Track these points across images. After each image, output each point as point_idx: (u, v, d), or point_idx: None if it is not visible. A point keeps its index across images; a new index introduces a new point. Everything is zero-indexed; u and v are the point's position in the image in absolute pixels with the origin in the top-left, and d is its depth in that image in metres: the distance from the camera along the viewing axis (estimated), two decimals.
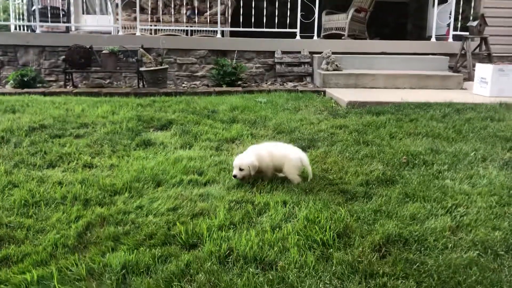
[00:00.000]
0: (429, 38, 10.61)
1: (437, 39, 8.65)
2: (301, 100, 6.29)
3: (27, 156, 4.04)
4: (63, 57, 7.76)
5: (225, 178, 3.48)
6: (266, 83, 8.22)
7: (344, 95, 6.16)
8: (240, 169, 3.28)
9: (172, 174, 3.55)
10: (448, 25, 8.76)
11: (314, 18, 8.50)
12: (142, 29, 8.92)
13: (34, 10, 10.14)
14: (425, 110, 5.42)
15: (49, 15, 8.97)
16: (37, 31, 8.45)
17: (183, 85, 8.12)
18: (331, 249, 2.38)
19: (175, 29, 9.93)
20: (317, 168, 3.69)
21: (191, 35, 9.83)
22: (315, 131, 4.74)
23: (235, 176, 3.30)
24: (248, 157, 3.31)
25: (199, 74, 8.42)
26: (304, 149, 4.21)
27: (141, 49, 7.44)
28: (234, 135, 4.66)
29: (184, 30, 9.91)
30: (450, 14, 8.57)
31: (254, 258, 2.29)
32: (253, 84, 8.12)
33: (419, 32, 11.44)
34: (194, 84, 8.11)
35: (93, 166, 3.84)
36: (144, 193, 3.23)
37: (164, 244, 2.52)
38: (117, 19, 10.66)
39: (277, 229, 2.59)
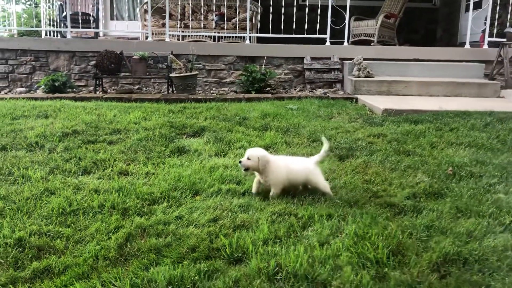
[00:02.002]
0: (460, 44, 10.38)
1: (470, 45, 8.41)
2: (334, 107, 6.16)
3: (61, 162, 4.01)
4: (94, 62, 7.80)
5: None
6: (295, 90, 8.11)
7: (379, 103, 6.00)
8: (248, 158, 3.16)
9: (210, 183, 3.46)
10: (483, 31, 8.52)
11: (345, 24, 8.36)
12: (170, 35, 8.92)
13: (64, 16, 10.28)
14: (465, 119, 5.22)
15: (80, 21, 9.05)
16: (68, 36, 8.52)
17: (212, 91, 8.07)
18: (386, 268, 2.24)
19: (203, 35, 9.94)
20: (358, 179, 3.55)
21: (218, 41, 9.81)
22: (352, 140, 4.60)
23: (240, 162, 3.19)
24: (262, 150, 3.20)
25: (227, 80, 8.35)
26: (342, 158, 4.09)
27: (171, 55, 7.41)
28: (268, 143, 4.56)
29: (211, 36, 9.91)
30: (486, 19, 8.33)
31: (305, 276, 2.17)
32: (281, 91, 8.02)
33: (450, 38, 11.19)
34: (223, 91, 8.05)
35: (129, 174, 3.78)
36: (183, 202, 3.14)
37: (208, 258, 2.42)
38: (145, 25, 10.73)
39: (326, 245, 2.47)
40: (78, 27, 9.53)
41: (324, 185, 3.22)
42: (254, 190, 3.29)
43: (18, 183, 3.55)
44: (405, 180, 3.49)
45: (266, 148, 4.44)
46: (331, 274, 2.18)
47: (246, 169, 3.19)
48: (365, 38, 10.38)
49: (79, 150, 4.33)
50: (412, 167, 3.78)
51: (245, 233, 2.65)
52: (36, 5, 13.67)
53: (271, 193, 3.21)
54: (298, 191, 3.29)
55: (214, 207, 3.05)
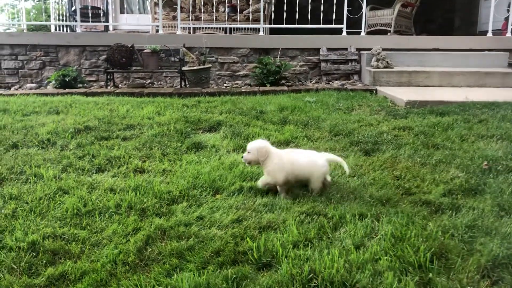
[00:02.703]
0: (480, 33, 10.06)
1: (492, 34, 8.10)
2: (353, 99, 5.93)
3: (74, 160, 3.85)
4: (105, 56, 7.65)
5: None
6: (310, 82, 7.89)
7: (401, 94, 5.76)
8: (248, 152, 3.05)
9: (230, 180, 3.28)
10: (506, 18, 8.21)
11: (362, 13, 8.11)
12: (181, 27, 8.73)
13: (74, 10, 10.14)
14: (493, 110, 4.97)
15: (90, 15, 8.89)
16: (78, 30, 8.37)
17: (225, 84, 7.88)
18: (430, 274, 2.04)
19: (214, 27, 9.74)
20: (388, 175, 3.35)
21: (230, 33, 9.60)
22: (377, 133, 4.38)
23: (242, 157, 3.11)
24: (261, 142, 3.07)
25: (241, 73, 8.15)
26: (368, 153, 3.88)
27: (183, 48, 7.22)
28: (288, 137, 4.36)
29: (223, 28, 9.70)
30: (509, 6, 8.02)
31: (343, 283, 1.98)
32: (297, 83, 7.81)
33: (468, 27, 10.87)
34: (236, 84, 7.86)
35: (145, 171, 3.61)
36: (203, 201, 2.97)
37: (234, 263, 2.24)
38: (156, 18, 10.55)
39: (362, 248, 2.27)
40: (88, 21, 9.37)
41: (316, 186, 3.01)
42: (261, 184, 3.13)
43: (30, 182, 3.40)
44: (438, 175, 3.28)
45: (287, 143, 4.26)
46: (370, 280, 1.99)
47: (249, 163, 3.10)
48: (381, 28, 10.11)
49: (92, 147, 4.17)
50: (444, 161, 3.57)
51: (272, 234, 2.46)
52: (45, 0, 13.54)
53: (262, 180, 3.07)
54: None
55: (236, 206, 2.88)
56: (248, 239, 2.40)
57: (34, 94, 6.71)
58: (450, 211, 2.70)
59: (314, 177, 2.99)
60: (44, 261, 2.31)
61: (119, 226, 2.64)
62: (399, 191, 3.04)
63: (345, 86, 6.95)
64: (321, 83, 7.68)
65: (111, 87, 7.45)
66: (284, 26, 8.26)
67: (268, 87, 7.00)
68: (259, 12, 9.92)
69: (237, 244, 2.41)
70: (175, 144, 4.24)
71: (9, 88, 7.94)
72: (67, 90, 6.97)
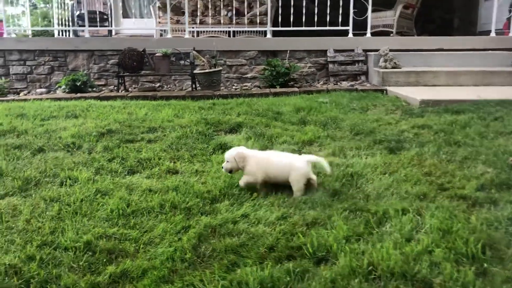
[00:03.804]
0: (480, 33, 10.23)
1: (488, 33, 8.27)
2: (366, 100, 6.03)
3: (105, 163, 3.90)
4: (113, 61, 7.70)
5: (324, 183, 3.25)
6: (318, 83, 7.99)
7: (414, 94, 5.87)
8: (227, 161, 3.20)
9: None
10: (508, 18, 8.37)
11: (368, 15, 8.23)
12: (180, 30, 8.79)
13: (78, 15, 10.17)
14: (507, 108, 5.09)
15: (97, 20, 8.93)
16: (86, 35, 8.40)
17: (234, 87, 7.95)
18: (485, 264, 2.12)
19: (218, 31, 9.81)
20: (418, 172, 3.43)
21: (234, 36, 9.68)
22: (397, 132, 4.48)
23: (222, 168, 3.25)
24: (237, 148, 3.24)
25: (249, 75, 8.23)
26: (392, 151, 3.97)
27: (194, 51, 7.29)
28: (310, 137, 4.44)
29: (226, 31, 9.78)
30: (511, 7, 8.18)
31: (403, 274, 2.06)
32: (305, 84, 7.90)
33: (468, 27, 11.04)
34: (245, 86, 7.93)
35: (178, 172, 3.68)
36: (244, 200, 3.03)
37: (290, 258, 2.32)
38: (160, 22, 10.62)
39: (412, 241, 2.35)
40: (92, 26, 9.39)
41: (296, 187, 3.08)
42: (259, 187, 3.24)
43: (66, 184, 3.45)
44: (467, 171, 3.38)
45: (310, 143, 4.35)
46: (428, 271, 2.07)
47: (230, 171, 3.22)
48: (383, 29, 10.24)
49: (119, 149, 4.22)
50: (469, 158, 3.67)
51: (322, 230, 2.54)
52: (47, 3, 13.50)
53: (243, 180, 3.19)
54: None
55: (277, 204, 2.95)
56: (300, 235, 2.47)
57: (47, 99, 6.73)
58: (488, 205, 2.79)
59: (292, 179, 3.09)
60: (103, 260, 2.37)
61: (167, 225, 2.70)
62: (432, 187, 3.13)
63: (354, 87, 7.05)
64: (329, 84, 7.78)
65: (122, 91, 7.49)
66: (291, 28, 8.35)
67: (278, 89, 7.09)
68: (262, 15, 10.02)
69: (288, 239, 2.48)
70: (201, 146, 4.30)
71: (18, 94, 7.94)
72: (79, 95, 6.99)
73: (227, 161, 3.20)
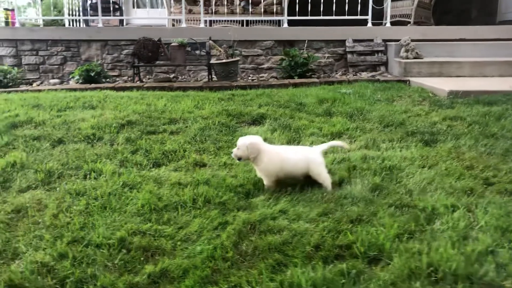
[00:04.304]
0: (500, 23, 9.98)
1: (510, 23, 8.04)
2: (390, 91, 5.85)
3: (128, 155, 3.76)
4: (127, 51, 7.55)
5: (362, 177, 3.10)
6: (336, 74, 7.80)
7: (441, 84, 5.69)
8: (238, 148, 2.98)
9: None
10: None
11: (387, 4, 8.01)
12: (193, 20, 8.61)
13: (90, 5, 10.00)
14: None
15: (111, 9, 8.76)
16: (99, 25, 8.24)
17: (249, 77, 7.78)
18: None
19: (231, 20, 9.62)
20: (459, 165, 3.27)
21: (247, 26, 9.49)
22: (429, 124, 4.31)
23: (232, 153, 3.05)
24: (252, 137, 3.02)
25: (265, 66, 8.05)
26: (427, 143, 3.81)
27: (210, 41, 7.11)
28: (339, 129, 4.28)
29: (239, 21, 9.59)
30: None
31: (467, 277, 1.91)
32: (322, 75, 7.72)
33: (486, 17, 10.76)
34: (262, 77, 7.76)
35: (205, 165, 3.53)
36: (279, 194, 2.88)
37: (338, 257, 2.17)
38: (171, 12, 10.43)
39: (469, 240, 2.20)
40: (103, 15, 9.22)
41: (326, 177, 2.95)
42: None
43: (90, 177, 3.32)
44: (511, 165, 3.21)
45: (339, 134, 4.19)
46: (496, 274, 1.92)
47: (239, 159, 3.00)
48: (400, 19, 10.00)
49: (142, 141, 4.08)
50: (511, 150, 3.50)
51: (368, 228, 2.39)
52: None
53: (266, 184, 2.99)
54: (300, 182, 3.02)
55: (316, 199, 2.80)
56: (348, 233, 2.32)
57: (62, 89, 6.60)
58: None
59: (313, 172, 2.94)
60: (139, 258, 2.24)
61: (203, 220, 2.56)
62: (478, 181, 2.97)
63: (376, 77, 6.87)
64: (348, 74, 7.59)
65: (137, 81, 7.34)
66: (308, 17, 8.15)
67: (297, 80, 6.91)
68: (277, 4, 9.81)
69: (333, 237, 2.33)
70: (226, 138, 4.16)
71: (31, 84, 7.80)
72: (94, 85, 6.85)
73: (238, 148, 2.97)
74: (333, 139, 4.08)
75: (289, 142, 4.02)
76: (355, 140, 4.01)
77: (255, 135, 4.08)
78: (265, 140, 4.04)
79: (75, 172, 3.44)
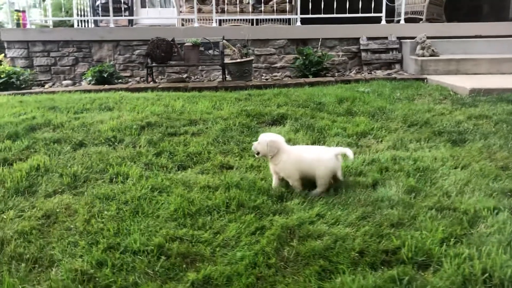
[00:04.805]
0: None
1: None
2: (409, 89, 5.78)
3: (153, 157, 3.71)
4: (142, 51, 7.50)
5: (395, 178, 3.04)
6: (350, 72, 7.74)
7: (461, 82, 5.62)
8: (258, 143, 3.00)
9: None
10: None
11: (402, 0, 7.94)
12: (202, 19, 8.55)
13: (98, 5, 9.95)
14: None
15: (122, 9, 8.73)
16: (111, 25, 8.20)
17: (263, 77, 7.72)
18: None
19: (240, 19, 9.56)
20: (493, 165, 3.21)
21: (257, 25, 9.43)
22: (454, 123, 4.25)
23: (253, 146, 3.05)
24: (273, 135, 3.02)
25: (278, 65, 8.00)
26: (456, 143, 3.75)
27: (224, 41, 7.06)
28: (363, 129, 4.22)
29: (249, 20, 9.53)
30: None
31: None
32: (336, 74, 7.65)
33: (498, 13, 10.67)
34: (275, 76, 7.70)
35: (232, 167, 3.48)
36: (312, 198, 2.82)
37: (385, 263, 2.11)
38: (181, 12, 10.39)
39: None
40: (115, 16, 9.18)
41: (323, 183, 2.88)
42: (274, 183, 3.04)
43: (117, 181, 3.27)
44: None
45: (364, 134, 4.13)
46: None
47: (258, 153, 3.03)
48: (411, 16, 9.92)
49: (165, 143, 4.03)
50: None
51: (411, 232, 2.33)
52: None
53: (292, 185, 2.96)
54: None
55: (351, 202, 2.74)
56: (393, 237, 2.26)
57: (77, 91, 6.55)
58: None
59: (318, 173, 2.88)
60: (180, 265, 2.18)
61: (239, 225, 2.51)
62: None
63: (392, 76, 6.80)
64: (362, 73, 7.53)
65: (150, 82, 7.29)
66: (321, 15, 8.07)
67: (313, 79, 6.85)
68: (285, 3, 9.75)
69: (376, 242, 2.27)
70: (248, 139, 4.10)
71: (43, 86, 7.77)
72: (107, 86, 6.81)
73: (259, 143, 3.00)
74: (358, 139, 4.03)
75: (314, 143, 3.96)
76: (381, 140, 3.95)
77: (282, 134, 4.05)
78: (289, 140, 4.02)
79: (101, 176, 3.40)
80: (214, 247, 2.34)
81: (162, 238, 2.38)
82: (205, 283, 2.05)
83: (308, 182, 2.95)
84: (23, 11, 8.93)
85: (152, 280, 2.09)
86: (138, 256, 2.27)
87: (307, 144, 3.89)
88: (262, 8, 9.82)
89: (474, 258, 2.03)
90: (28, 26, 8.38)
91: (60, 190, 3.18)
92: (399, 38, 7.75)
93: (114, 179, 3.32)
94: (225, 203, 2.78)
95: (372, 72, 7.49)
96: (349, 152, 2.95)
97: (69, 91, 6.58)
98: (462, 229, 2.33)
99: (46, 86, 7.74)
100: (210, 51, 7.27)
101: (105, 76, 7.16)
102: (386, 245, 2.23)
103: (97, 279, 2.08)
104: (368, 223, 2.46)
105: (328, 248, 2.24)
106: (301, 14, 8.39)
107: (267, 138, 2.98)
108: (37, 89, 7.18)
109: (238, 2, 10.00)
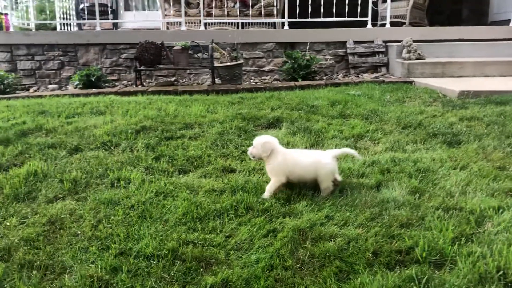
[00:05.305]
0: (492, 23, 10.16)
1: (503, 23, 8.18)
2: (398, 92, 5.88)
3: (152, 162, 3.69)
4: (129, 54, 7.44)
5: (398, 180, 3.10)
6: (337, 75, 7.83)
7: (449, 85, 5.74)
8: (253, 147, 3.03)
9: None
10: None
11: (387, 5, 8.07)
12: (188, 23, 8.54)
13: (82, 9, 9.85)
14: None
15: (108, 12, 8.63)
16: (97, 28, 8.10)
17: (251, 80, 7.74)
18: None
19: (226, 23, 9.58)
20: (490, 165, 3.29)
21: (243, 28, 9.45)
22: (447, 125, 4.34)
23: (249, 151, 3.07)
24: (267, 137, 3.06)
25: (266, 68, 8.03)
26: (451, 144, 3.83)
27: (213, 44, 7.05)
28: (359, 131, 4.27)
29: (234, 23, 9.55)
30: None
31: None
32: (324, 77, 7.73)
33: (478, 18, 10.94)
34: (264, 79, 7.73)
35: (235, 171, 3.48)
36: (319, 200, 2.85)
37: (399, 263, 2.15)
38: (166, 15, 10.33)
39: None
40: (95, 19, 9.09)
41: (327, 186, 2.92)
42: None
43: (119, 186, 3.24)
44: None
45: (361, 137, 4.19)
46: None
47: (254, 157, 3.06)
48: (394, 20, 10.09)
49: (162, 147, 4.01)
50: None
51: (422, 232, 2.37)
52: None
53: (269, 187, 2.96)
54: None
55: (358, 204, 2.77)
56: (406, 237, 2.30)
57: (65, 95, 6.46)
58: None
59: (320, 177, 2.91)
60: (196, 269, 2.18)
61: (250, 228, 2.51)
62: None
63: (380, 79, 6.91)
64: (350, 76, 7.62)
65: (139, 85, 7.23)
66: (309, 19, 8.15)
67: (303, 82, 6.91)
68: (272, 6, 9.81)
69: (388, 242, 2.31)
70: (246, 142, 4.10)
71: (27, 90, 7.63)
72: (96, 90, 6.73)
73: (254, 147, 3.02)
74: (356, 141, 4.08)
75: (312, 146, 4.00)
76: (378, 142, 4.01)
77: (277, 139, 4.07)
78: (287, 143, 4.05)
79: (101, 181, 3.36)
80: (228, 250, 2.34)
81: (175, 242, 2.37)
82: (224, 286, 2.05)
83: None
84: (6, 14, 8.75)
85: (169, 284, 2.08)
86: (152, 261, 2.25)
87: (306, 147, 3.94)
88: (249, 12, 9.84)
89: (487, 256, 2.08)
90: (11, 29, 8.21)
91: (61, 196, 3.13)
92: (385, 41, 7.88)
93: (115, 184, 3.29)
94: (233, 207, 2.78)
95: (359, 75, 7.59)
96: (350, 151, 3.04)
97: (57, 95, 6.49)
98: (471, 229, 2.38)
99: (31, 90, 7.60)
100: (200, 54, 7.26)
101: (93, 80, 7.09)
102: (398, 245, 2.27)
103: (114, 285, 2.06)
104: (378, 224, 2.50)
105: (341, 249, 2.27)
106: (288, 18, 8.44)
107: (261, 140, 3.02)
108: (22, 94, 7.04)
109: (225, 6, 10.02)
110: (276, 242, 2.35)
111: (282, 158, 2.96)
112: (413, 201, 2.76)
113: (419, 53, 7.12)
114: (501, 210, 2.56)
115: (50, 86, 7.57)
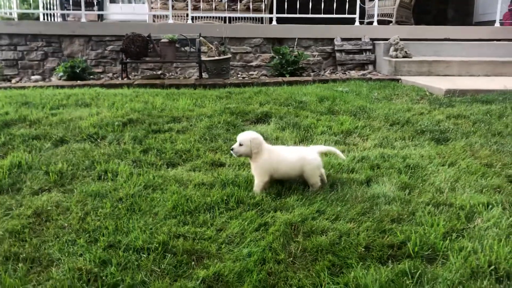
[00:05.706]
0: (476, 24, 10.30)
1: (487, 24, 8.29)
2: (386, 89, 5.92)
3: (140, 155, 3.64)
4: (115, 46, 7.33)
5: (388, 175, 3.11)
6: (325, 72, 7.84)
7: (436, 83, 5.80)
8: (240, 144, 2.88)
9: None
10: (511, 9, 8.40)
11: (375, 3, 8.11)
12: (174, 16, 8.46)
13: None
14: None
15: (94, 3, 8.49)
16: (83, 20, 7.96)
17: (239, 75, 7.70)
18: None
19: (212, 17, 9.50)
20: (478, 162, 3.33)
21: (230, 23, 9.39)
22: (435, 122, 4.38)
23: (232, 149, 2.90)
24: (253, 133, 2.93)
25: (253, 64, 8.00)
26: (439, 141, 3.86)
27: (201, 38, 6.99)
28: (348, 127, 4.28)
29: (221, 18, 9.48)
30: None
31: None
32: (311, 73, 7.73)
33: (463, 18, 11.08)
34: (251, 74, 7.70)
35: (224, 165, 3.45)
36: (310, 195, 2.84)
37: (391, 258, 2.15)
38: (152, 8, 10.21)
39: None
40: (80, 10, 8.93)
41: (315, 181, 2.90)
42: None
43: (107, 178, 3.18)
44: None
45: (349, 133, 4.19)
46: None
47: (240, 155, 2.93)
48: (381, 18, 10.14)
49: (150, 140, 3.96)
50: None
51: (413, 227, 2.38)
52: None
53: (256, 187, 2.90)
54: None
55: (349, 198, 2.77)
56: (398, 232, 2.31)
57: (49, 86, 6.34)
58: None
59: (307, 173, 2.89)
60: (188, 263, 2.15)
61: (242, 222, 2.49)
62: (502, 179, 3.02)
63: (367, 76, 6.94)
64: (337, 73, 7.64)
65: (124, 78, 7.13)
66: (297, 15, 8.13)
67: (291, 78, 6.90)
68: (260, 1, 9.77)
69: (380, 237, 2.31)
70: (235, 137, 4.03)
71: (9, 81, 7.47)
72: (81, 82, 6.62)
73: (241, 144, 2.86)
74: (344, 137, 4.09)
75: (302, 141, 3.99)
76: (367, 139, 4.02)
77: (262, 133, 4.04)
78: (276, 139, 4.04)
79: (88, 173, 3.30)
80: (219, 243, 2.31)
81: (165, 235, 2.34)
82: (216, 279, 2.03)
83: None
84: None
85: (160, 277, 2.05)
86: (142, 254, 2.22)
87: (296, 143, 3.93)
88: (237, 7, 9.78)
89: (478, 251, 2.10)
90: None
91: (47, 188, 3.07)
92: (372, 39, 7.92)
93: (103, 176, 3.23)
94: (224, 200, 2.75)
95: (346, 72, 7.62)
96: (335, 150, 3.06)
97: (41, 87, 6.36)
98: (461, 224, 2.40)
99: (13, 81, 7.44)
100: (187, 48, 7.19)
101: (78, 71, 6.96)
102: (390, 240, 2.27)
103: (103, 278, 2.02)
104: (369, 219, 2.50)
105: (334, 243, 2.26)
106: (276, 13, 8.41)
107: (248, 136, 2.89)
108: (4, 84, 6.89)
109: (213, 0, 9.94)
110: (268, 236, 2.33)
111: (268, 155, 2.89)
112: (403, 196, 2.77)
113: (406, 52, 7.17)
114: (490, 206, 2.58)
115: (33, 77, 7.42)
